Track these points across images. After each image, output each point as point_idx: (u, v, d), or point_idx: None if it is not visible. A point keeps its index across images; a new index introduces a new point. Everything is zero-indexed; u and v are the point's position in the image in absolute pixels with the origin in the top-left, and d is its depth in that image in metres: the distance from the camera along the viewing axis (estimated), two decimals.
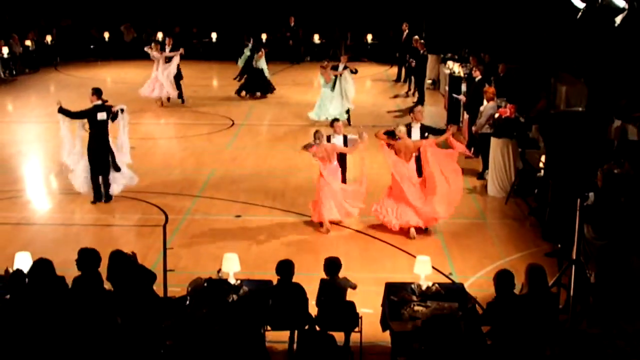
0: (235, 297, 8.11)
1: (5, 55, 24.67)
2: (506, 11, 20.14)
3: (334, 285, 8.21)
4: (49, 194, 13.87)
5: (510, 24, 19.70)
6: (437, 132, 12.13)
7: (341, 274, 8.30)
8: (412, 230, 11.36)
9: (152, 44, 20.88)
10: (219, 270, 8.52)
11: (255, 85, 21.95)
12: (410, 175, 11.45)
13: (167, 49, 20.66)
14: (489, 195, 13.43)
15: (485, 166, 13.96)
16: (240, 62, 23.11)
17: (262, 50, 22.05)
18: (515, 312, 6.99)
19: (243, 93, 21.86)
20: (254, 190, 13.64)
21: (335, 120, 12.98)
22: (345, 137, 12.34)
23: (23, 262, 8.31)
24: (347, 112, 18.45)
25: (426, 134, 11.87)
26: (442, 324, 6.62)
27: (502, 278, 7.16)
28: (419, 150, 11.53)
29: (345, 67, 18.74)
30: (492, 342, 7.12)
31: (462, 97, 17.12)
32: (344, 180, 12.23)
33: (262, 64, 21.86)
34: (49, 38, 27.93)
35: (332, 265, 8.26)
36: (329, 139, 11.96)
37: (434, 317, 7.22)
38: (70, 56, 28.41)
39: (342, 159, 12.23)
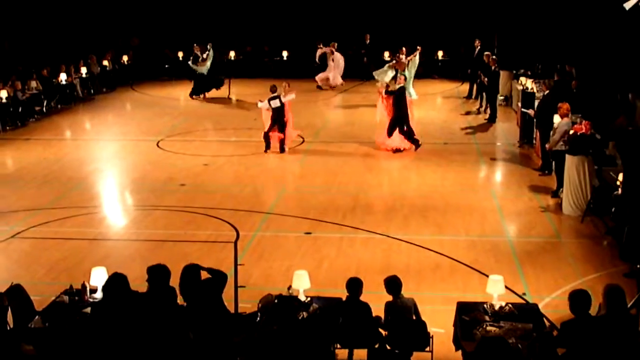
0: (305, 314, 8.10)
1: (84, 75, 25.44)
2: (583, 26, 19.78)
3: (398, 305, 8.10)
4: (124, 210, 14.19)
5: (587, 38, 19.33)
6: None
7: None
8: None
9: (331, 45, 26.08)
10: (289, 287, 8.54)
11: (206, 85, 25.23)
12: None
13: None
14: (564, 213, 13.12)
15: (560, 184, 13.66)
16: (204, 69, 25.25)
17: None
18: (592, 334, 6.77)
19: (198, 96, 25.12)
20: (324, 207, 13.66)
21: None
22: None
23: (99, 276, 8.51)
24: None
25: None
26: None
27: (578, 298, 6.94)
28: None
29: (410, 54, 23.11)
30: None
31: (530, 112, 16.81)
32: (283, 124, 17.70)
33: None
34: (125, 58, 28.69)
35: (393, 284, 8.14)
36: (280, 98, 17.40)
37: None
38: (146, 75, 29.12)
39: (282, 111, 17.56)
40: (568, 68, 19.09)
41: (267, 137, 17.71)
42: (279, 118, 17.54)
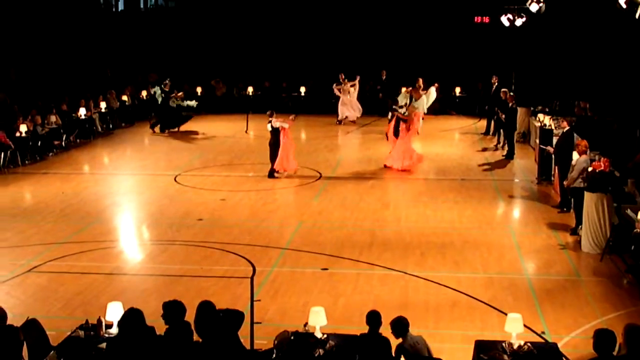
0: (321, 351, 8.03)
1: (103, 110, 25.70)
2: (601, 63, 19.79)
3: (410, 345, 7.92)
4: (141, 245, 14.21)
5: (605, 74, 19.33)
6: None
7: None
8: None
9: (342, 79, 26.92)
10: (306, 324, 8.48)
11: (171, 122, 25.95)
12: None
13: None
14: (583, 251, 13.00)
15: (579, 221, 13.56)
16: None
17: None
18: None
19: (157, 129, 25.79)
20: (340, 243, 13.61)
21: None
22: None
23: (115, 311, 8.49)
24: None
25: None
26: None
27: (603, 337, 6.82)
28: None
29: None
30: None
31: (549, 148, 16.76)
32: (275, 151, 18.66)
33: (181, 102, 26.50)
34: (144, 93, 28.95)
35: (399, 324, 7.96)
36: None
37: None
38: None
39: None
40: (582, 104, 19.06)
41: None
42: (273, 143, 18.49)
